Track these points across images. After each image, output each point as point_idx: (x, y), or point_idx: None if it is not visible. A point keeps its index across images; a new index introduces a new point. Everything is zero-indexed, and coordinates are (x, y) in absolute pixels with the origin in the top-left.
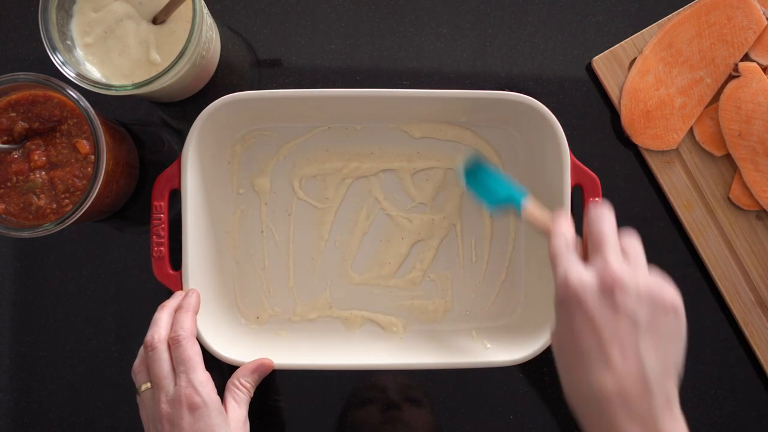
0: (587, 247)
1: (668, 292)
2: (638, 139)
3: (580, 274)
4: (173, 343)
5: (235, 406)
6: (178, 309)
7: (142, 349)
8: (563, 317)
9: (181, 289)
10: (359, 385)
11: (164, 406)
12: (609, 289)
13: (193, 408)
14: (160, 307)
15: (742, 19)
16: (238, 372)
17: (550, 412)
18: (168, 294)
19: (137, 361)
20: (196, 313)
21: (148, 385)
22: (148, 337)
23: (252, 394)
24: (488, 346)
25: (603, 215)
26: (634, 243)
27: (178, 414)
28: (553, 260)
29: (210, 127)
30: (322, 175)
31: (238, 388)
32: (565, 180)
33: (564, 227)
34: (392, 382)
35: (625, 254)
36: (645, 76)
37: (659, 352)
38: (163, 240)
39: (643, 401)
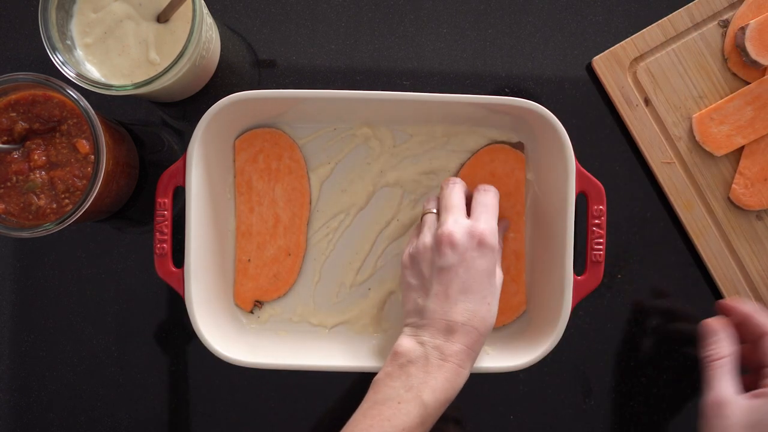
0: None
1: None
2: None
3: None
4: (481, 189)
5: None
6: None
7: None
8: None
9: (183, 286)
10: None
11: (453, 227)
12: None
13: (482, 244)
14: (444, 181)
15: None
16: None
17: (551, 412)
18: (169, 291)
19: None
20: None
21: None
22: (449, 180)
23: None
24: (489, 352)
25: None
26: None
27: (467, 241)
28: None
29: (217, 125)
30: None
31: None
32: (570, 188)
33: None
34: None
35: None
36: None
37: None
38: (166, 237)
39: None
